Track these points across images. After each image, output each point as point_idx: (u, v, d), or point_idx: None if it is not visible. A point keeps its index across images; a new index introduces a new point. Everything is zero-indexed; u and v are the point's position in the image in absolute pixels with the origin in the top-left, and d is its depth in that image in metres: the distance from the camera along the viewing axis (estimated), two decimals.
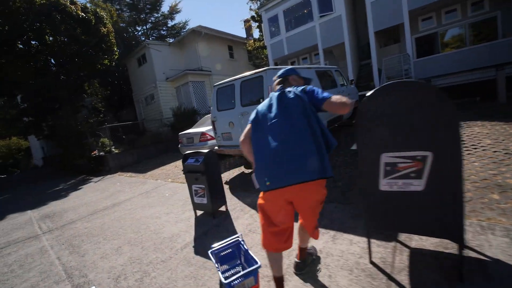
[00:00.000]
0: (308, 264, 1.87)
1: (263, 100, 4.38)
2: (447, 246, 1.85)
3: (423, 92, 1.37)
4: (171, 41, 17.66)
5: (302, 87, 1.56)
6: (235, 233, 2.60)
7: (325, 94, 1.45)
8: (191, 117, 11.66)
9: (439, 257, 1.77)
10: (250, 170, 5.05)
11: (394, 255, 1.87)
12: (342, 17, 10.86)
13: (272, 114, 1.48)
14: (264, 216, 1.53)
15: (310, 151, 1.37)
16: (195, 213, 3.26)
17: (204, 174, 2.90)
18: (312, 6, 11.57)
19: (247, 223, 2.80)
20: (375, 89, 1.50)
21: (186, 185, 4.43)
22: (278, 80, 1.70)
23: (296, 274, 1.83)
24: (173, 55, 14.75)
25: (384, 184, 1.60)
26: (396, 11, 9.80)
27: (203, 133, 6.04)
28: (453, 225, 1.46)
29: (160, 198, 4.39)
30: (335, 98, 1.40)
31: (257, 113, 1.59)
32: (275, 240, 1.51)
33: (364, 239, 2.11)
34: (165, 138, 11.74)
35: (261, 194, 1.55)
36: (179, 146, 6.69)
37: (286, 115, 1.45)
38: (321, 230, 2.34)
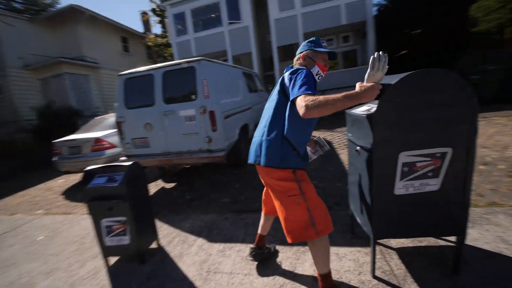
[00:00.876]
0: (264, 254, 1.85)
1: (195, 96, 3.75)
2: (422, 240, 1.89)
3: (445, 81, 1.24)
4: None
5: (298, 68, 1.37)
6: (186, 281, 1.79)
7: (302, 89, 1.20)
8: (69, 120, 8.79)
9: (425, 253, 1.75)
10: (173, 184, 4.06)
11: (388, 262, 1.72)
12: (249, 28, 11.31)
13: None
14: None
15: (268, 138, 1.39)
16: (107, 262, 2.10)
17: (126, 200, 1.89)
18: (221, 12, 11.46)
19: (199, 260, 2.01)
20: (405, 76, 1.26)
21: (73, 216, 3.08)
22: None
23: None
24: (38, 35, 10.84)
25: (400, 188, 1.39)
26: (294, 32, 11.16)
27: (97, 140, 4.44)
28: (460, 219, 1.42)
29: (27, 245, 2.70)
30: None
31: None
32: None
33: (351, 249, 1.89)
34: (24, 148, 8.21)
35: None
36: (54, 159, 4.67)
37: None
38: (301, 248, 1.95)
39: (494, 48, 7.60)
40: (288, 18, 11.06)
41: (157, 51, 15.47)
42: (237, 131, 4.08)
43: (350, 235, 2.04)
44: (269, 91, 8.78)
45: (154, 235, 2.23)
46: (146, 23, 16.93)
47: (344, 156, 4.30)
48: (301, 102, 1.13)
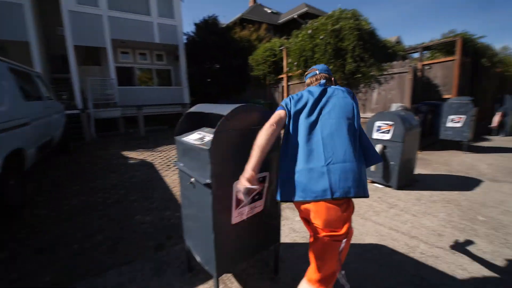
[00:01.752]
0: None
1: None
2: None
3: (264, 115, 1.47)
4: None
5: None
6: None
7: None
8: None
9: (254, 265, 1.96)
10: None
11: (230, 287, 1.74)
12: (24, 6, 7.98)
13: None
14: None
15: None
16: None
17: None
18: None
19: None
20: (235, 107, 1.31)
21: None
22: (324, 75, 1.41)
23: None
24: None
25: (236, 216, 1.44)
26: (100, 34, 9.46)
27: None
28: (277, 228, 1.74)
29: None
30: None
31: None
32: None
33: None
34: None
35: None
36: None
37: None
38: None
39: (263, 87, 11.03)
40: (91, 15, 9.18)
41: None
42: None
43: (189, 274, 1.86)
44: (61, 99, 6.68)
45: None
46: None
47: (168, 178, 4.09)
48: None
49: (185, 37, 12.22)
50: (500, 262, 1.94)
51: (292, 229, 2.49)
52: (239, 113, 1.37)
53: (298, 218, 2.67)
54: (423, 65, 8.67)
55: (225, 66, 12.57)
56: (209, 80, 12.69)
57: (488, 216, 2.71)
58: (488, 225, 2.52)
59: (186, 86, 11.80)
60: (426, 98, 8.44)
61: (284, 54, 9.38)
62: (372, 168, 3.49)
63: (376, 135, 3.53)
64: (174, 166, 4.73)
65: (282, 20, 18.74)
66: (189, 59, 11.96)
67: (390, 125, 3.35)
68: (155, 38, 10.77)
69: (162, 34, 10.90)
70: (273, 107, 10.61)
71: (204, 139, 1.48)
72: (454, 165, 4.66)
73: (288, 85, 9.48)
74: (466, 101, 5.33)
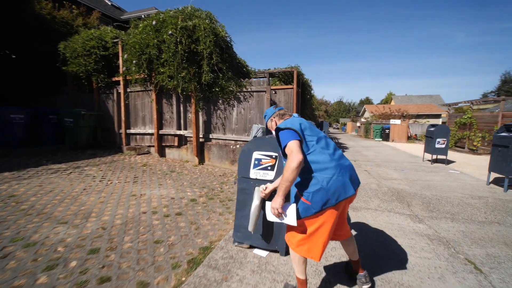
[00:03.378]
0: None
1: None
2: None
3: None
4: None
5: None
6: None
7: None
8: None
9: None
10: None
11: None
12: None
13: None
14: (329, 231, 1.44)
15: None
16: None
17: None
18: None
19: None
20: None
21: None
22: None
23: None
24: None
25: None
26: None
27: None
28: None
29: None
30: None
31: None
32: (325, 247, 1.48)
33: None
34: None
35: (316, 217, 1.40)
36: None
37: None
38: None
39: (90, 92, 7.62)
40: None
41: None
42: None
43: None
44: None
45: None
46: None
47: None
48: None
49: None
50: None
51: None
52: None
53: None
54: (271, 89, 9.34)
55: (23, 54, 7.75)
56: None
57: None
58: None
59: None
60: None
61: (119, 48, 6.76)
62: (250, 227, 2.02)
63: (254, 173, 2.17)
64: None
65: (125, 16, 15.40)
66: None
67: (274, 158, 2.10)
68: None
69: None
70: (104, 120, 7.44)
71: None
72: None
73: (126, 92, 6.86)
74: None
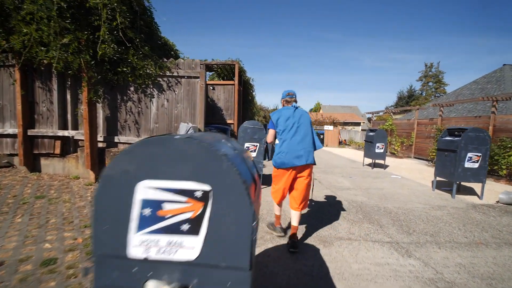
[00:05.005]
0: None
1: None
2: None
3: None
4: None
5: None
6: None
7: None
8: None
9: None
10: None
11: None
12: None
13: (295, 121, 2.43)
14: (282, 183, 2.42)
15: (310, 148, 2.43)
16: None
17: None
18: None
19: None
20: None
21: None
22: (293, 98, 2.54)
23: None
24: None
25: None
26: None
27: None
28: None
29: None
30: None
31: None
32: (283, 196, 2.45)
33: None
34: None
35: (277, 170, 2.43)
36: None
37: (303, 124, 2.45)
38: None
39: None
40: None
41: None
42: None
43: None
44: None
45: None
46: None
47: None
48: None
49: None
50: None
51: None
52: None
53: None
54: (208, 85, 7.89)
55: None
56: None
57: None
58: None
59: None
60: (211, 121, 7.53)
61: None
62: None
63: (140, 242, 0.74)
64: None
65: None
66: None
67: (199, 200, 0.74)
68: None
69: None
70: None
71: None
72: None
73: None
74: (259, 126, 4.35)
